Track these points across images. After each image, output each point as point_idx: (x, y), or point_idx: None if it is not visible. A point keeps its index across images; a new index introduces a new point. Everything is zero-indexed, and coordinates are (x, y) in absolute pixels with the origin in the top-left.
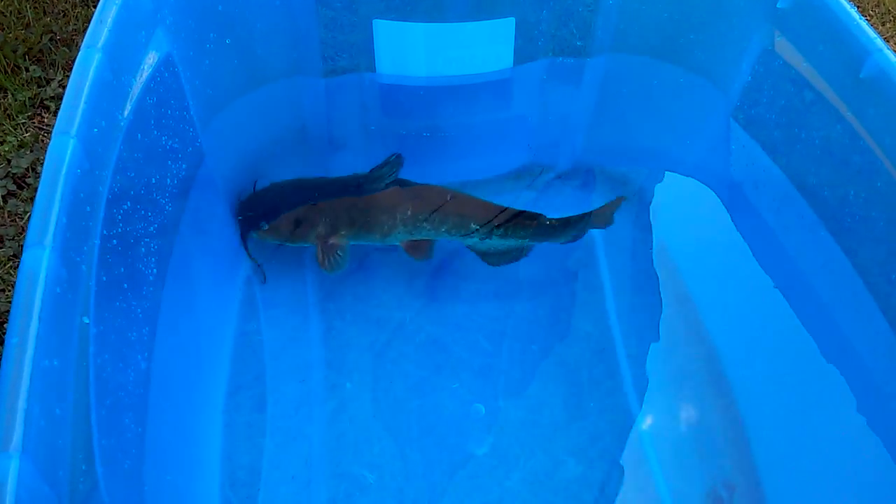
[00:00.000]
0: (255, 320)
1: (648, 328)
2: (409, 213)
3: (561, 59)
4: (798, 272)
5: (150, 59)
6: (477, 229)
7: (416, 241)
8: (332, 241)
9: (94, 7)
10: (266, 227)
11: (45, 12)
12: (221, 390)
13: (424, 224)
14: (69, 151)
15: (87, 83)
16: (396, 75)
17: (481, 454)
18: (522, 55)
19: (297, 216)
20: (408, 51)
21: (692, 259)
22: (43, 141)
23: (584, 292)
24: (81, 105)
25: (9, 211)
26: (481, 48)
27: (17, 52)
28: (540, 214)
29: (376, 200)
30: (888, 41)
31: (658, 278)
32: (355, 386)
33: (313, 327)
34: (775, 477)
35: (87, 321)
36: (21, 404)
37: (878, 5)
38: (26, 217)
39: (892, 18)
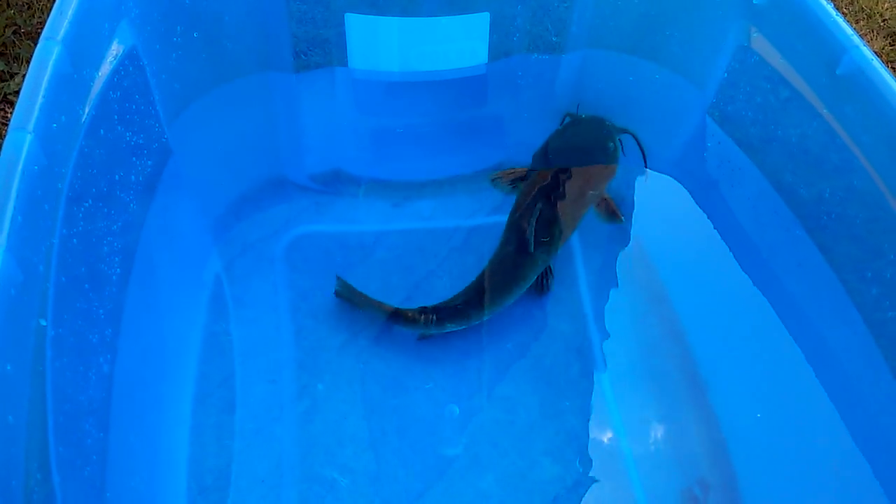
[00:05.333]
0: (224, 320)
1: (624, 327)
2: None
3: (536, 55)
4: (773, 270)
5: (114, 52)
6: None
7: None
8: None
9: None
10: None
11: (8, 4)
12: (189, 392)
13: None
14: (25, 147)
15: (46, 77)
16: (369, 70)
17: (455, 455)
18: (497, 51)
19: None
20: (381, 45)
21: (668, 257)
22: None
23: (559, 290)
24: (39, 99)
25: None
26: (455, 43)
27: None
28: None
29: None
30: (862, 38)
31: (634, 277)
32: (327, 387)
33: (284, 327)
34: (751, 476)
35: (44, 324)
36: None
37: (851, 3)
38: None
39: (865, 16)
